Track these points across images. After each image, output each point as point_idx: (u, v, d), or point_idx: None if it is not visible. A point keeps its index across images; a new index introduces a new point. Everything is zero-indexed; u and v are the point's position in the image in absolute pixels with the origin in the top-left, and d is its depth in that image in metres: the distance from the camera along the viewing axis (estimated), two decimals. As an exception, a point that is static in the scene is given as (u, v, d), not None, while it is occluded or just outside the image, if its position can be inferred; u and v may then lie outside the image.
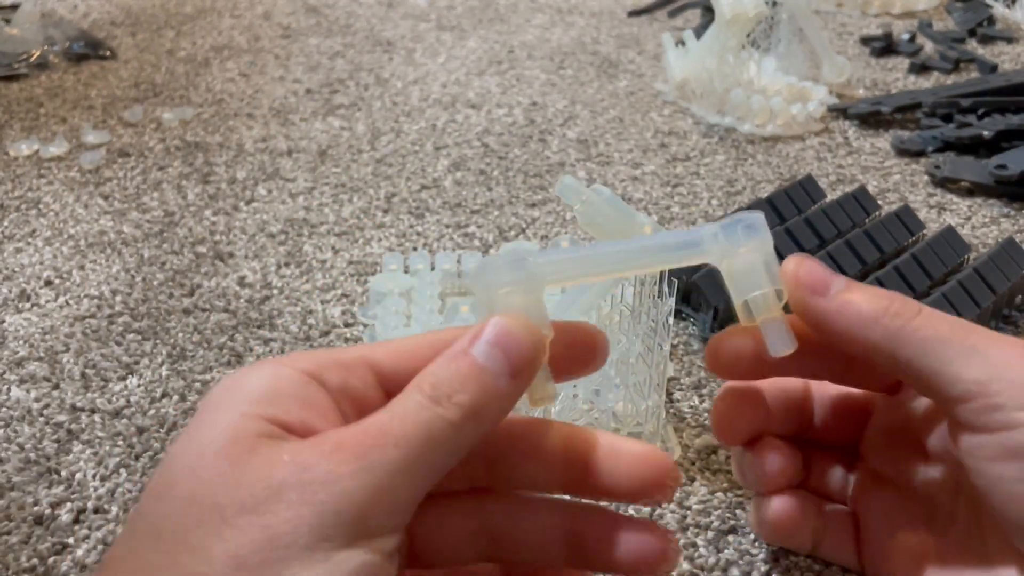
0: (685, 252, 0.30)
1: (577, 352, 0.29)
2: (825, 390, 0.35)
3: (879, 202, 0.59)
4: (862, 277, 0.51)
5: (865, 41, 0.94)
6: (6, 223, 0.61)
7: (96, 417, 0.43)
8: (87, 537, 0.37)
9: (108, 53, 0.90)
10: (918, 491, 0.32)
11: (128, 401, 0.44)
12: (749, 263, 0.29)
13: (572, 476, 0.28)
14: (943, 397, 0.28)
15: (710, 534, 0.37)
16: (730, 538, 0.37)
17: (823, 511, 0.35)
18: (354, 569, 0.22)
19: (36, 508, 0.38)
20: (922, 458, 0.32)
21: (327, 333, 0.49)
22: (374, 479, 0.23)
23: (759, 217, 0.30)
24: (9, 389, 0.45)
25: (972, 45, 0.95)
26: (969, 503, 0.30)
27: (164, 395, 0.45)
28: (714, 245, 0.29)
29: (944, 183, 0.66)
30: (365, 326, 0.50)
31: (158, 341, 0.49)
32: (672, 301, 0.41)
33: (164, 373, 0.46)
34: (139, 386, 0.46)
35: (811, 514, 0.34)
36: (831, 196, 0.62)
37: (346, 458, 0.23)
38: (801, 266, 0.30)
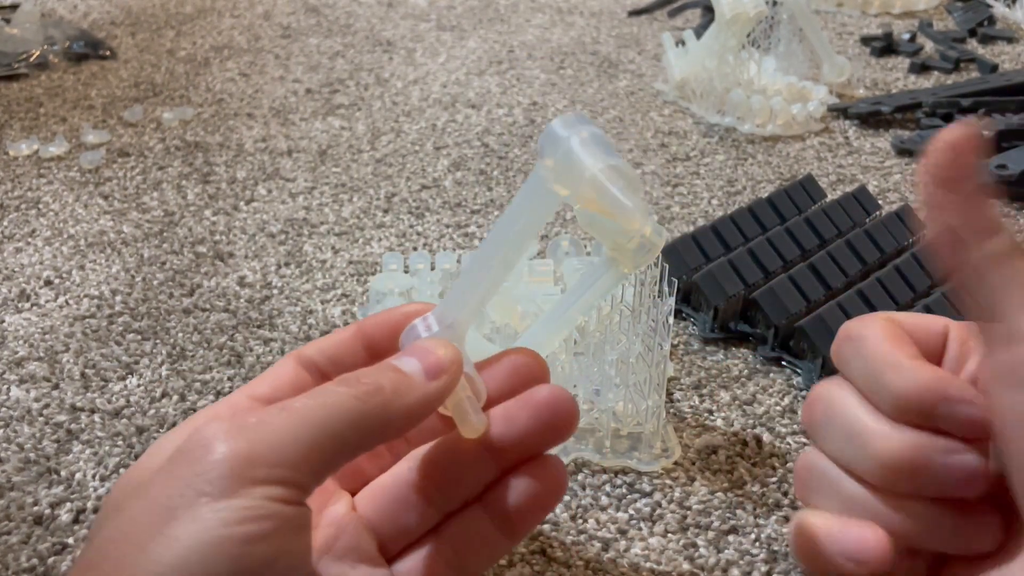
0: (537, 201, 0.29)
1: (516, 380, 0.30)
2: None
3: (879, 202, 0.59)
4: (862, 277, 0.51)
5: (865, 41, 0.94)
6: (6, 223, 0.61)
7: (96, 417, 0.43)
8: (87, 537, 0.37)
9: (108, 53, 0.90)
10: None
11: (128, 401, 0.44)
12: (567, 156, 0.29)
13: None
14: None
15: (710, 534, 0.37)
16: (730, 538, 0.37)
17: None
18: (243, 507, 0.23)
19: (36, 508, 0.38)
20: None
21: (327, 333, 0.49)
22: (256, 435, 0.24)
23: (572, 116, 0.29)
24: (9, 389, 0.45)
25: (972, 45, 0.95)
26: None
27: (164, 395, 0.45)
28: (546, 170, 0.29)
29: (944, 183, 0.66)
30: (365, 326, 0.50)
31: (158, 341, 0.49)
32: (672, 301, 0.41)
33: (164, 373, 0.46)
34: (139, 386, 0.45)
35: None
36: (831, 196, 0.62)
37: (235, 423, 0.25)
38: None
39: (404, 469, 0.31)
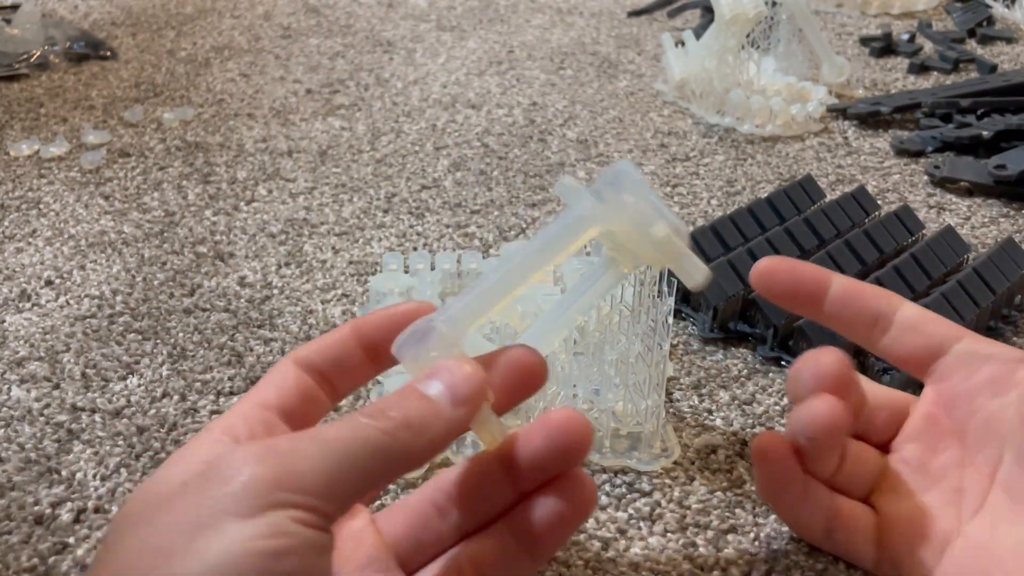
0: (574, 231, 0.30)
1: (516, 379, 0.30)
2: (872, 390, 0.37)
3: (879, 202, 0.60)
4: (862, 277, 0.51)
5: (864, 41, 0.94)
6: (6, 223, 0.61)
7: (96, 417, 0.43)
8: (87, 537, 0.37)
9: (108, 53, 0.90)
10: (950, 478, 0.33)
11: (128, 401, 0.45)
12: (636, 209, 0.30)
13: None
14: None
15: (710, 533, 0.37)
16: (730, 537, 0.37)
17: (837, 502, 0.35)
18: (268, 524, 0.24)
19: (36, 508, 0.38)
20: (958, 445, 0.33)
21: (327, 332, 0.49)
22: (286, 462, 0.25)
23: (626, 164, 0.30)
24: (9, 389, 0.45)
25: (971, 45, 0.95)
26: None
27: (164, 395, 0.45)
28: (595, 209, 0.30)
29: (943, 183, 0.66)
30: (365, 326, 0.50)
31: (158, 341, 0.49)
32: (672, 301, 0.41)
33: (164, 373, 0.46)
34: (139, 386, 0.46)
35: (825, 498, 0.35)
36: (831, 196, 0.62)
37: (266, 448, 0.25)
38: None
39: (426, 489, 0.32)
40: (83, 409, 0.44)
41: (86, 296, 0.53)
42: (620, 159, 0.31)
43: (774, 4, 0.79)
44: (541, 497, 0.30)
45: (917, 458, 0.35)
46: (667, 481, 0.40)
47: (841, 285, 0.36)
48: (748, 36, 0.74)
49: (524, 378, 0.30)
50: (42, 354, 0.48)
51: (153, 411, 0.44)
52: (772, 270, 0.36)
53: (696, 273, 0.30)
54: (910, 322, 0.35)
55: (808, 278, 0.36)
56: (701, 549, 0.36)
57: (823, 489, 0.35)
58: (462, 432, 0.28)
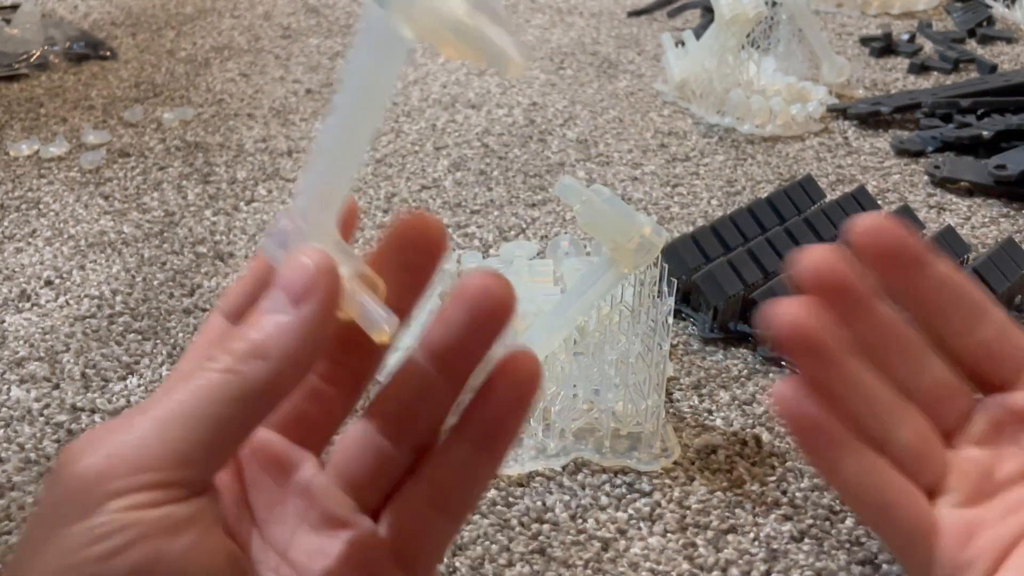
0: (381, 52, 0.24)
1: (410, 243, 0.27)
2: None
3: (879, 202, 0.59)
4: (861, 277, 0.51)
5: (865, 41, 0.94)
6: (6, 223, 0.61)
7: (96, 417, 0.43)
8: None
9: (108, 53, 0.90)
10: (1014, 489, 0.32)
11: (128, 401, 0.45)
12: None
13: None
14: None
15: (709, 534, 0.37)
16: (729, 537, 0.37)
17: (898, 480, 0.31)
18: (95, 526, 0.22)
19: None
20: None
21: (327, 333, 0.50)
22: (115, 446, 0.23)
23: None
24: (9, 389, 0.45)
25: (971, 45, 0.95)
26: None
27: (164, 395, 0.45)
28: (387, 16, 0.23)
29: (944, 183, 0.66)
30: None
31: (158, 341, 0.49)
32: (671, 301, 0.41)
33: (164, 373, 0.46)
34: (139, 386, 0.46)
35: (877, 463, 0.30)
36: (831, 196, 0.62)
37: (95, 436, 0.23)
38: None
39: (368, 415, 0.28)
40: (83, 409, 0.44)
41: (86, 296, 0.53)
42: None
43: (774, 4, 0.79)
44: (483, 389, 0.27)
45: (986, 461, 0.33)
46: (667, 481, 0.40)
47: (943, 264, 0.31)
48: (748, 36, 0.74)
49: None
50: (42, 354, 0.48)
51: (153, 411, 0.44)
52: (880, 229, 0.30)
53: (503, 55, 0.23)
54: (1003, 324, 0.32)
55: (914, 247, 0.30)
56: (701, 549, 0.36)
57: (871, 456, 0.32)
58: (324, 329, 0.24)
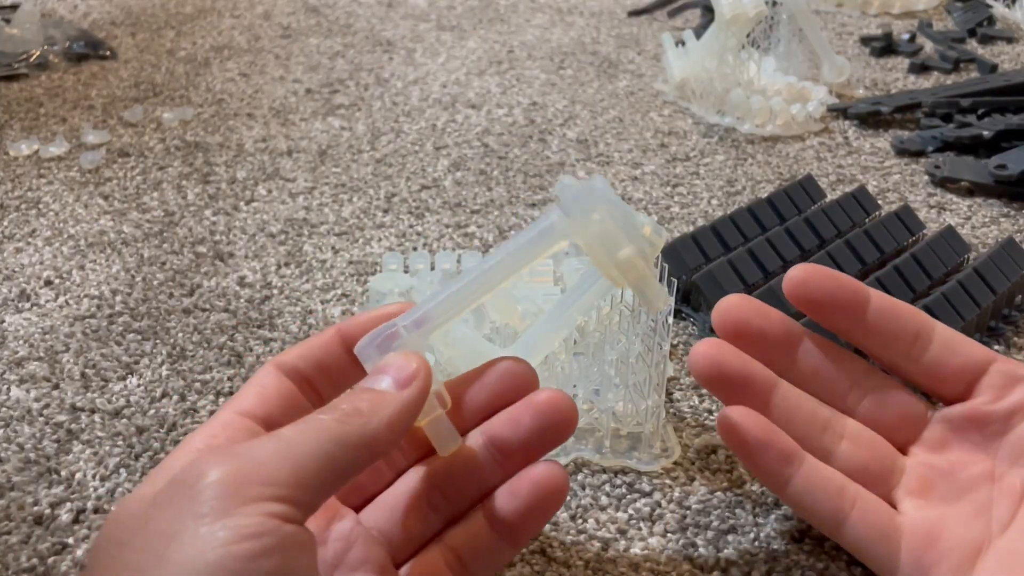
0: (543, 242, 0.31)
1: (510, 384, 0.32)
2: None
3: (879, 202, 0.59)
4: (862, 277, 0.51)
5: (865, 41, 0.94)
6: (6, 223, 0.61)
7: (96, 417, 0.43)
8: (87, 537, 0.37)
9: (108, 53, 0.90)
10: (979, 490, 0.33)
11: (128, 401, 0.45)
12: (602, 229, 0.31)
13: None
14: None
15: (710, 534, 0.37)
16: (730, 538, 0.37)
17: (850, 489, 0.34)
18: (242, 526, 0.23)
19: (36, 508, 0.38)
20: (988, 459, 0.33)
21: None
22: (246, 459, 0.25)
23: (598, 182, 0.31)
24: (9, 389, 0.45)
25: (972, 45, 0.95)
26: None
27: (164, 395, 0.45)
28: (562, 223, 0.31)
29: (944, 183, 0.66)
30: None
31: (158, 341, 0.49)
32: (672, 301, 0.41)
33: (164, 373, 0.46)
34: (139, 386, 0.46)
35: (827, 476, 0.34)
36: (831, 196, 0.62)
37: (225, 450, 0.26)
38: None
39: (411, 479, 0.32)
40: (82, 409, 0.44)
41: (85, 296, 0.53)
42: (596, 176, 0.31)
43: (774, 4, 0.79)
44: (515, 484, 0.31)
45: (946, 466, 0.34)
46: (667, 481, 0.40)
47: (879, 298, 0.34)
48: (748, 36, 0.74)
49: (514, 386, 0.31)
50: (41, 354, 0.48)
51: (152, 411, 0.44)
52: (808, 279, 0.34)
53: (656, 299, 0.31)
54: (948, 341, 0.34)
55: (848, 289, 0.34)
56: (701, 549, 0.36)
57: (823, 467, 0.34)
58: (415, 412, 0.29)
